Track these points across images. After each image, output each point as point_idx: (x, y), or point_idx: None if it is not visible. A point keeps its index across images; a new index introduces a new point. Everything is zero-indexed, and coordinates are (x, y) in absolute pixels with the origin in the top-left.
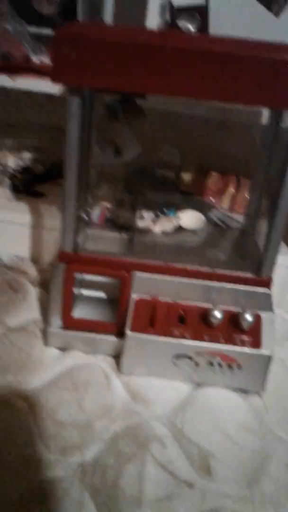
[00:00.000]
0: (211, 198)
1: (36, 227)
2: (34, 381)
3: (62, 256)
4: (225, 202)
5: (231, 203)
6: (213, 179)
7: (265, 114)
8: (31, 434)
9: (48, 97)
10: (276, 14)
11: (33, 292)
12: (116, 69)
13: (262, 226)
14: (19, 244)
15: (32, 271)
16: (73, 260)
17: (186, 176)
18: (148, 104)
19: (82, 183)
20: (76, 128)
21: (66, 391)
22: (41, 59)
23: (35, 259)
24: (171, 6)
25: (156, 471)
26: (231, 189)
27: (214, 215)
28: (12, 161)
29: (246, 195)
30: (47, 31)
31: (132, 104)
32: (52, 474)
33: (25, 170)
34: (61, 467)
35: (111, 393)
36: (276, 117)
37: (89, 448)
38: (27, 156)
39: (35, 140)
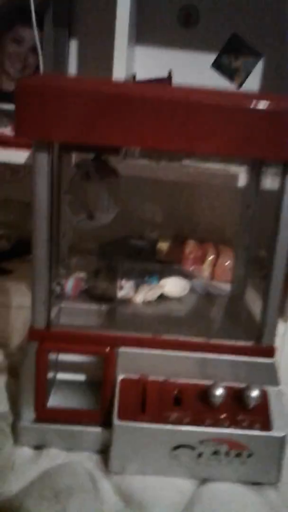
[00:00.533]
0: (190, 267)
1: (2, 306)
2: (3, 490)
3: (33, 334)
4: (206, 270)
5: (212, 271)
6: (191, 248)
7: (242, 176)
8: None
9: (13, 170)
10: (239, 85)
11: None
12: (81, 121)
13: (252, 293)
14: None
15: None
16: (46, 338)
17: (163, 246)
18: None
19: (53, 252)
20: (44, 187)
21: (44, 500)
22: (3, 131)
23: (2, 343)
24: (134, 80)
25: None
26: (211, 257)
27: (196, 284)
28: None
29: (227, 263)
30: (8, 107)
31: (104, 163)
32: None
33: None
34: None
35: (99, 500)
36: (255, 178)
37: None
38: None
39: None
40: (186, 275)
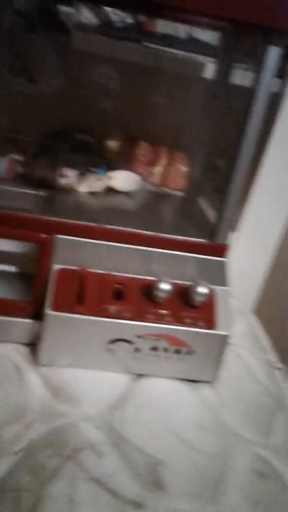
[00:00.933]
0: (140, 170)
1: None
2: None
3: None
4: (157, 175)
5: (163, 177)
6: (143, 149)
7: (210, 67)
8: None
9: None
10: None
11: None
12: None
13: (205, 198)
14: None
15: None
16: None
17: (112, 144)
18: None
19: None
20: None
21: None
22: None
23: None
24: None
25: (90, 490)
26: (164, 160)
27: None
28: None
29: (180, 169)
30: None
31: (53, 14)
32: None
33: None
34: None
35: (24, 391)
36: (224, 70)
37: None
38: None
39: None
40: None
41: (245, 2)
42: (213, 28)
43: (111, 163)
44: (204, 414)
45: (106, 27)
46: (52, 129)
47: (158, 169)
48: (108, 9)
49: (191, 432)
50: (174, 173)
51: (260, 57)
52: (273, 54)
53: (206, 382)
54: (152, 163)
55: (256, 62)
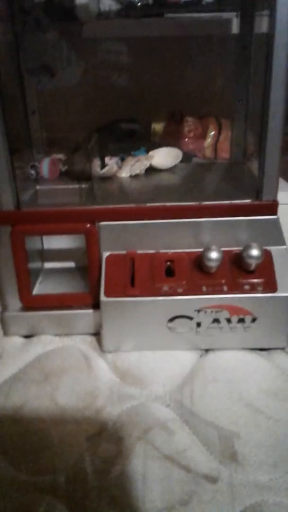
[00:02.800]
0: (190, 146)
1: None
2: None
3: (2, 217)
4: (208, 149)
5: (215, 148)
6: (190, 125)
7: (235, 21)
8: None
9: None
10: None
11: None
12: None
13: (251, 160)
14: None
15: None
16: (18, 220)
17: (158, 127)
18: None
19: (24, 132)
20: None
21: (33, 383)
22: None
23: None
24: None
25: (163, 468)
26: (212, 132)
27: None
28: None
29: (228, 137)
30: None
31: (57, 5)
32: (19, 499)
33: None
34: (30, 487)
35: (93, 378)
36: (248, 22)
37: (67, 452)
38: None
39: None
40: (185, 157)
41: None
42: None
43: (154, 145)
44: (280, 381)
45: (127, 9)
46: (96, 124)
47: (208, 142)
48: None
49: (266, 401)
50: (224, 142)
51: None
52: None
53: (279, 348)
54: (201, 136)
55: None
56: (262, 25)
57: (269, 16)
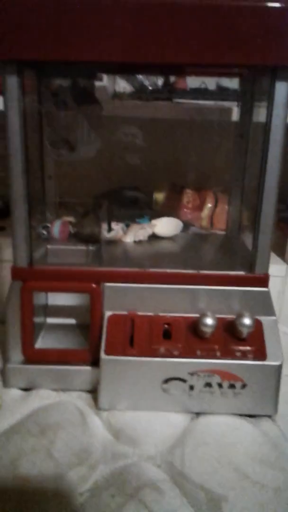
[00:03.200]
0: (188, 216)
1: None
2: None
3: (15, 272)
4: (205, 220)
5: (211, 219)
6: (189, 197)
7: (235, 110)
8: None
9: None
10: None
11: None
12: (45, 33)
13: (246, 234)
14: None
15: None
16: (29, 276)
17: (159, 196)
18: (110, 111)
19: (39, 194)
20: (16, 115)
21: (30, 436)
22: None
23: None
24: None
25: None
26: (209, 204)
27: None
28: None
29: (225, 210)
30: None
31: (82, 90)
32: None
33: None
34: None
35: (88, 434)
36: (248, 111)
37: (60, 508)
38: None
39: None
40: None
41: (251, 47)
42: (232, 75)
43: (156, 213)
44: (266, 448)
45: (140, 92)
46: (103, 190)
47: (205, 213)
48: (140, 76)
49: (254, 467)
50: (220, 214)
51: (271, 93)
52: (281, 88)
53: (266, 416)
54: (198, 208)
55: (270, 98)
56: (260, 114)
57: (266, 107)
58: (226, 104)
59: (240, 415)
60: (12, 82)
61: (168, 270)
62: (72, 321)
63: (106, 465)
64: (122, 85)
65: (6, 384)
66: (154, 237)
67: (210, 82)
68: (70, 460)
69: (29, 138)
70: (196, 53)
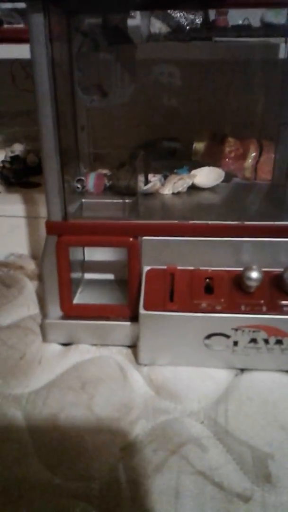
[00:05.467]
0: (230, 166)
1: (33, 217)
2: (29, 384)
3: (50, 227)
4: (248, 170)
5: (255, 169)
6: (231, 146)
7: (282, 47)
8: (24, 448)
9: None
10: None
11: (30, 287)
12: None
13: None
14: (15, 239)
15: (30, 264)
16: (64, 230)
17: (199, 146)
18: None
19: (72, 147)
20: (44, 61)
21: (70, 391)
22: (17, 27)
23: (34, 254)
24: None
25: (196, 484)
26: (253, 153)
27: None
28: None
29: (270, 159)
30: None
31: (114, 28)
32: (53, 503)
33: (14, 160)
34: (64, 492)
35: (128, 389)
36: None
37: (101, 460)
38: (18, 148)
39: (26, 129)
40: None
41: None
42: (278, 5)
43: (197, 164)
44: None
45: (176, 32)
46: (140, 141)
47: (248, 163)
48: (177, 14)
49: None
50: (265, 163)
51: None
52: None
53: None
54: (242, 157)
55: None
56: None
57: None
58: (272, 40)
59: (287, 372)
60: (38, 22)
61: (210, 222)
62: (110, 276)
63: (147, 420)
64: (158, 25)
65: (45, 339)
66: (194, 188)
67: (254, 18)
68: (110, 414)
69: (59, 86)
70: None
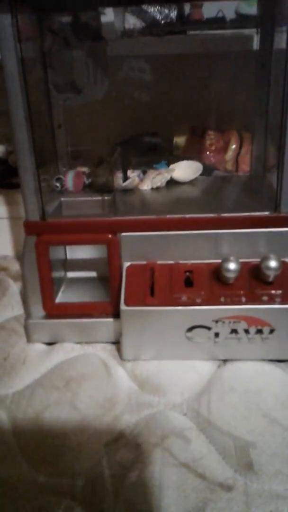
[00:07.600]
0: (212, 159)
1: (16, 219)
2: (13, 384)
3: (28, 227)
4: (229, 162)
5: (236, 161)
6: (211, 139)
7: (256, 38)
8: (9, 448)
9: None
10: None
11: (14, 288)
12: None
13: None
14: None
15: (14, 266)
16: (43, 230)
17: (180, 140)
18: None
19: (49, 145)
20: (12, 60)
21: (54, 389)
22: None
23: (18, 255)
24: None
25: (180, 475)
26: (233, 145)
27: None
28: None
29: (249, 150)
30: None
31: (84, 25)
32: (38, 501)
33: None
34: (48, 489)
35: (112, 385)
36: (268, 38)
37: (85, 457)
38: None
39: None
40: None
41: None
42: None
43: (177, 159)
44: None
45: (151, 27)
46: (120, 138)
47: (229, 155)
48: (151, 9)
49: (283, 412)
50: (245, 155)
51: None
52: None
53: None
54: (223, 150)
55: None
56: (282, 41)
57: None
58: (245, 32)
59: (269, 360)
60: (5, 22)
61: (187, 215)
62: (93, 274)
63: (131, 415)
64: (132, 21)
65: (29, 339)
66: (173, 182)
67: (228, 10)
68: (94, 411)
69: (32, 85)
70: None
